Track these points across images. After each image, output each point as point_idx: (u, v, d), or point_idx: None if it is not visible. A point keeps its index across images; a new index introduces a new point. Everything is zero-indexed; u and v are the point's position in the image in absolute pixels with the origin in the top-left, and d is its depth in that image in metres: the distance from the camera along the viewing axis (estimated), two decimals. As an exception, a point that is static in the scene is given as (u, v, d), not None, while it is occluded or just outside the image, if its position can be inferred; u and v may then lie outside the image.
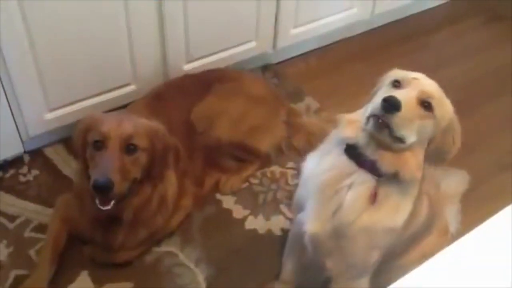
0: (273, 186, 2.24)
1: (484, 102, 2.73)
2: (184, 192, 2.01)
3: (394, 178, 1.36)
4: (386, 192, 1.39)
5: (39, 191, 2.14)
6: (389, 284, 0.88)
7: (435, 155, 1.39)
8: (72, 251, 1.93)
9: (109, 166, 1.60)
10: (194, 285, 1.90)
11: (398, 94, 1.29)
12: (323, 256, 1.55)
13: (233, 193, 2.19)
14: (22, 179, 2.18)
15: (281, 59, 2.86)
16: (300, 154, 2.27)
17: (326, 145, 1.52)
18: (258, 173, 2.28)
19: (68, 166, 2.23)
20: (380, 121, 1.27)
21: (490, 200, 2.23)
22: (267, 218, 2.12)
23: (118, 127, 1.65)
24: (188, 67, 2.41)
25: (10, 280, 1.86)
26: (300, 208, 1.56)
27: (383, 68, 2.92)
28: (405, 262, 1.73)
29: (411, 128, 1.30)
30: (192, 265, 1.95)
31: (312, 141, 2.27)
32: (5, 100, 2.00)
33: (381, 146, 1.33)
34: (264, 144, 2.22)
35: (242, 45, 2.55)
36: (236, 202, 2.16)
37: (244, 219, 2.11)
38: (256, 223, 2.10)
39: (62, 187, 2.11)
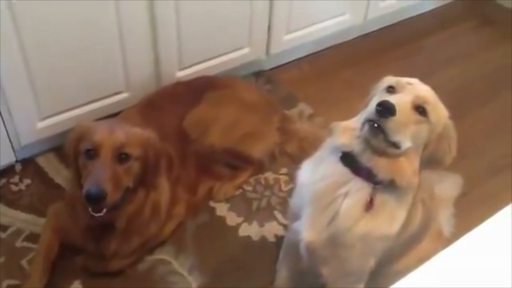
0: (267, 193, 2.23)
1: (477, 106, 2.74)
2: (177, 200, 2.00)
3: (390, 185, 1.36)
4: (382, 200, 1.39)
5: (31, 200, 2.13)
6: (384, 288, 0.88)
7: (430, 161, 1.39)
8: (64, 260, 1.91)
9: (101, 175, 1.59)
10: (188, 293, 1.88)
11: (393, 99, 1.29)
12: (318, 264, 1.55)
13: (227, 200, 2.18)
14: (13, 188, 2.17)
15: (274, 65, 2.86)
16: (294, 160, 2.27)
17: (321, 153, 1.51)
18: (252, 180, 2.27)
19: (60, 175, 2.22)
20: (375, 126, 1.27)
21: (484, 204, 2.24)
22: (261, 225, 2.11)
23: (110, 136, 1.65)
24: (180, 74, 2.41)
25: (2, 290, 1.85)
26: (296, 217, 1.55)
27: (377, 74, 2.93)
28: (400, 267, 1.72)
29: (406, 133, 1.30)
30: (185, 273, 1.94)
31: (305, 147, 2.27)
32: (-3, 109, 2.00)
33: (377, 152, 1.33)
34: (257, 150, 2.22)
35: (235, 52, 2.54)
36: (229, 209, 2.15)
37: (237, 226, 2.10)
38: (250, 230, 2.09)
39: (54, 196, 2.10)
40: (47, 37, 1.97)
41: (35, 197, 2.14)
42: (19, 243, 1.99)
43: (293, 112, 2.59)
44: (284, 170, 2.31)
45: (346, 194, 1.40)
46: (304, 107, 2.64)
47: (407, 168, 1.35)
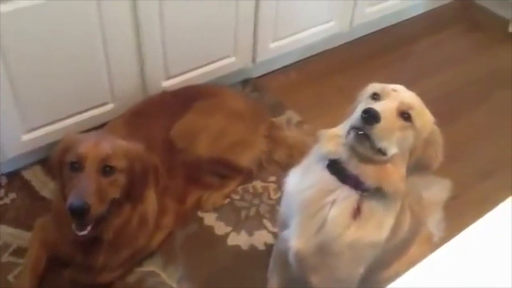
0: (256, 201, 2.22)
1: (466, 111, 2.75)
2: (165, 211, 1.99)
3: (377, 193, 1.36)
4: (370, 207, 1.39)
5: (17, 214, 2.10)
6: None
7: (417, 167, 1.39)
8: (52, 274, 1.89)
9: (85, 188, 1.57)
10: (177, 304, 1.87)
11: (377, 106, 1.30)
12: (308, 272, 1.54)
13: (215, 209, 2.17)
14: (-1, 202, 2.15)
15: (261, 73, 2.86)
16: (282, 168, 2.26)
17: (307, 161, 1.51)
18: (240, 189, 2.26)
19: (47, 188, 2.20)
20: (360, 133, 1.27)
21: (473, 208, 2.24)
22: (250, 234, 2.09)
23: (95, 148, 1.63)
24: (167, 84, 2.40)
25: (-11, 306, 1.82)
26: (284, 225, 1.54)
27: (365, 80, 2.93)
28: (391, 273, 1.72)
29: (391, 139, 1.30)
30: (174, 284, 1.92)
31: (294, 155, 2.26)
32: (-19, 123, 1.98)
33: (363, 160, 1.33)
34: (245, 159, 2.21)
35: (221, 61, 2.54)
36: (218, 219, 2.14)
37: (226, 235, 2.09)
38: (238, 239, 2.08)
39: (40, 210, 2.08)
40: (31, 50, 1.96)
41: (21, 211, 2.12)
42: (5, 258, 1.96)
43: (281, 120, 2.58)
44: (272, 178, 2.30)
45: (333, 202, 1.39)
46: (292, 115, 2.63)
47: (394, 174, 1.35)
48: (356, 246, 1.41)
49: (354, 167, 1.34)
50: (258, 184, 2.29)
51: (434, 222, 2.00)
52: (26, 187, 2.20)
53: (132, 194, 1.73)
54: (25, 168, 2.27)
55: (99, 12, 2.02)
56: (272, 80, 2.86)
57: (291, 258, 1.51)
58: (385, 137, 1.28)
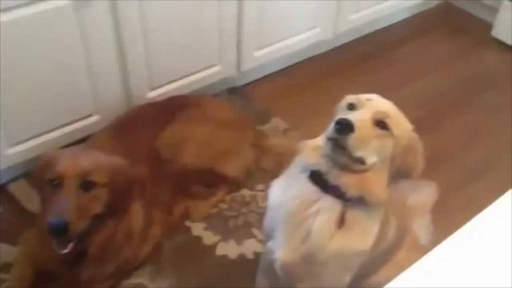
0: (244, 210, 2.21)
1: (450, 114, 2.77)
2: (151, 222, 1.97)
3: (360, 202, 1.37)
4: (354, 216, 1.39)
5: (3, 229, 2.08)
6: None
7: (400, 174, 1.40)
8: (39, 288, 1.87)
9: (64, 206, 1.56)
10: (165, 316, 1.86)
11: (352, 116, 1.31)
12: (295, 282, 1.54)
13: (203, 219, 2.16)
14: (-16, 217, 2.13)
15: (247, 81, 2.86)
16: (270, 176, 2.25)
17: (290, 172, 1.51)
18: (228, 198, 2.25)
19: (33, 202, 2.16)
20: (336, 144, 1.28)
21: (461, 210, 2.24)
22: (239, 243, 2.09)
23: (74, 164, 1.62)
24: (152, 95, 2.39)
25: (-25, 323, 1.80)
26: (270, 236, 1.54)
27: (350, 86, 2.96)
28: (380, 279, 1.72)
29: (368, 148, 1.31)
30: (163, 296, 1.91)
31: (281, 162, 2.24)
32: (-36, 137, 1.96)
33: (344, 170, 1.33)
34: (232, 168, 2.20)
35: (206, 70, 2.54)
36: (206, 229, 2.13)
37: (214, 245, 2.08)
38: (227, 248, 2.07)
39: (26, 224, 2.03)
40: (11, 62, 1.94)
41: (7, 226, 2.09)
42: (-9, 274, 1.94)
43: (267, 127, 2.59)
44: (260, 187, 2.29)
45: (317, 213, 1.40)
46: (278, 122, 2.64)
47: (376, 183, 1.35)
48: (341, 255, 1.42)
49: (334, 177, 1.35)
50: (246, 192, 2.28)
51: (421, 226, 2.01)
52: (12, 201, 2.18)
53: (116, 207, 1.71)
54: (10, 182, 2.25)
55: (79, 23, 2.01)
56: (258, 88, 2.87)
57: (277, 268, 1.51)
58: (360, 146, 1.29)
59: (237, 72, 2.68)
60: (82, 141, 2.22)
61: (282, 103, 2.75)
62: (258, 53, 2.69)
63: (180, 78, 2.47)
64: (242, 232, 2.13)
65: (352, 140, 1.27)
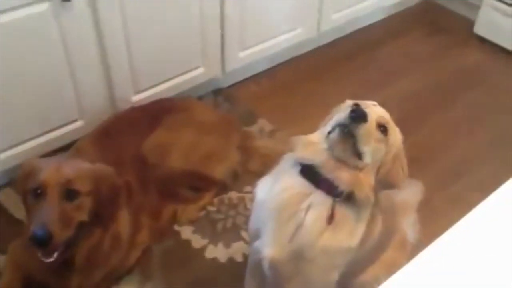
0: (232, 213, 2.21)
1: (434, 112, 2.79)
2: (139, 227, 1.96)
3: (349, 199, 1.39)
4: (343, 213, 1.41)
5: (-10, 237, 2.06)
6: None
7: (385, 182, 1.44)
8: (27, 298, 1.86)
9: (47, 216, 1.54)
10: (156, 322, 1.85)
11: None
12: (283, 281, 1.55)
13: (191, 223, 2.16)
14: (-30, 226, 2.10)
15: (231, 83, 2.86)
16: (257, 178, 2.25)
17: (278, 168, 1.53)
18: (216, 200, 2.25)
19: (21, 210, 2.12)
20: (345, 131, 1.31)
21: (446, 209, 2.27)
22: (228, 246, 2.09)
23: (56, 173, 1.60)
24: (136, 98, 2.38)
25: (-38, 335, 1.78)
26: (256, 236, 1.55)
27: (335, 86, 2.97)
28: (368, 277, 1.74)
29: (370, 145, 1.34)
30: (153, 302, 1.90)
31: (268, 164, 2.24)
32: None
33: (338, 163, 1.36)
34: (219, 171, 2.20)
35: (190, 72, 2.53)
36: (194, 232, 2.13)
37: (203, 248, 2.08)
38: (216, 251, 2.07)
39: (15, 232, 2.02)
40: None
41: (-5, 235, 2.07)
42: (-22, 284, 1.92)
43: (253, 129, 2.59)
44: (248, 189, 2.29)
45: (308, 208, 1.41)
46: (264, 123, 2.64)
47: (366, 182, 1.39)
48: (328, 252, 1.43)
49: (329, 171, 1.37)
50: (233, 195, 2.28)
51: (408, 225, 2.03)
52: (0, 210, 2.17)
53: (102, 215, 1.70)
54: (-3, 190, 2.23)
55: (59, 28, 1.99)
56: (243, 89, 2.87)
57: (265, 267, 1.51)
58: (366, 140, 1.33)
59: (221, 73, 2.68)
60: (67, 147, 2.20)
61: (267, 104, 2.75)
62: (242, 54, 2.69)
63: (165, 81, 2.46)
64: (231, 235, 2.13)
65: (363, 130, 1.31)
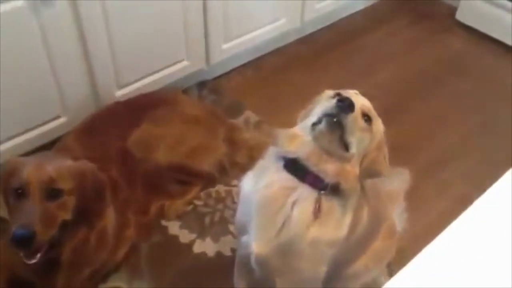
0: (219, 206, 2.20)
1: (417, 101, 2.78)
2: (126, 223, 1.94)
3: (335, 191, 1.38)
4: (329, 206, 1.40)
5: (-27, 238, 2.03)
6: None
7: (370, 170, 1.43)
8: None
9: (30, 216, 1.52)
10: (145, 318, 1.84)
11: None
12: (271, 275, 1.54)
13: (179, 217, 2.14)
14: (-47, 227, 2.06)
15: (217, 74, 2.84)
16: (244, 171, 2.23)
17: (263, 162, 1.51)
18: (203, 194, 2.23)
19: (4, 208, 2.12)
20: (333, 120, 1.29)
21: (433, 196, 2.28)
22: (216, 240, 2.07)
23: (38, 172, 1.57)
24: (120, 93, 2.35)
25: None
26: (243, 230, 1.54)
27: (320, 75, 2.95)
28: (358, 267, 1.74)
29: (356, 135, 1.33)
30: (141, 298, 1.89)
31: (255, 156, 2.24)
32: None
33: (324, 156, 1.34)
34: (205, 164, 2.19)
35: (174, 65, 2.50)
36: (181, 227, 2.11)
37: (191, 243, 2.06)
38: (204, 246, 2.05)
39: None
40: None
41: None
42: (-38, 285, 1.89)
43: (239, 121, 2.57)
44: (235, 182, 2.27)
45: (294, 203, 1.40)
46: (250, 115, 2.62)
47: (351, 173, 1.38)
48: (316, 245, 1.43)
49: (314, 164, 1.36)
50: (221, 188, 2.26)
51: (396, 214, 2.03)
52: (-19, 209, 2.13)
53: (87, 212, 1.68)
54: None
55: (39, 24, 1.95)
56: (229, 80, 2.85)
57: (253, 262, 1.50)
58: (354, 131, 1.32)
59: (206, 66, 2.65)
60: (50, 144, 2.17)
61: (253, 96, 2.73)
62: (226, 46, 2.66)
63: (149, 75, 2.43)
64: (219, 229, 2.12)
65: (351, 119, 1.29)
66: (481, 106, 2.76)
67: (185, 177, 2.18)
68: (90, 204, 1.68)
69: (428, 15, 3.41)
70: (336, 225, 1.43)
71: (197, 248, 2.05)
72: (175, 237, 2.08)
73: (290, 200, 1.39)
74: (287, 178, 1.39)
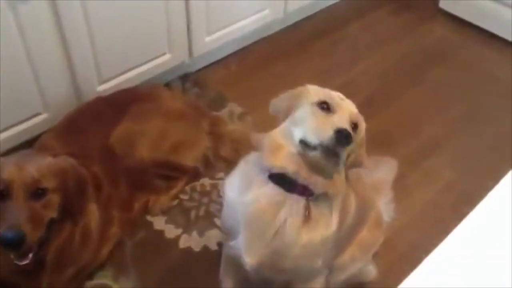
0: (205, 200, 2.18)
1: (401, 91, 2.77)
2: (110, 220, 1.92)
3: (322, 196, 1.38)
4: (317, 209, 1.39)
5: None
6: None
7: (353, 165, 1.44)
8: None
9: (16, 217, 1.49)
10: (132, 315, 1.82)
11: (337, 120, 1.28)
12: (271, 277, 1.56)
13: (163, 212, 2.12)
14: None
15: (200, 67, 2.81)
16: (229, 165, 2.22)
17: (247, 169, 1.46)
18: (188, 188, 2.21)
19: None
20: (330, 151, 1.26)
21: (420, 185, 2.28)
22: (201, 235, 2.06)
23: (20, 173, 1.54)
24: (102, 88, 2.31)
25: None
26: (230, 232, 1.51)
27: (303, 66, 2.92)
28: (345, 258, 1.73)
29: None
30: (128, 295, 1.87)
31: (239, 149, 2.23)
32: None
33: (313, 169, 1.31)
34: (189, 158, 2.17)
35: (156, 59, 2.47)
36: (167, 222, 2.09)
37: (177, 238, 2.04)
38: (190, 241, 2.04)
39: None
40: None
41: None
42: None
43: (223, 113, 2.55)
44: (221, 175, 2.26)
45: (286, 215, 1.37)
46: (234, 107, 2.60)
47: (339, 181, 1.38)
48: (309, 247, 1.42)
49: (303, 178, 1.32)
50: (206, 182, 2.25)
51: (383, 203, 2.03)
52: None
53: (70, 209, 1.66)
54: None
55: (16, 20, 1.91)
56: (212, 73, 2.82)
57: (248, 269, 1.48)
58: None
59: (188, 58, 2.62)
60: (31, 142, 2.13)
61: (236, 88, 2.71)
62: (209, 38, 2.63)
63: (130, 69, 2.40)
64: (204, 223, 2.10)
65: (347, 150, 1.29)
66: (465, 94, 2.76)
67: (169, 172, 2.16)
68: (73, 200, 1.65)
69: (412, 3, 3.40)
70: (326, 225, 1.42)
71: (183, 243, 2.03)
72: (161, 232, 2.06)
73: (281, 215, 1.37)
74: (274, 193, 1.36)
